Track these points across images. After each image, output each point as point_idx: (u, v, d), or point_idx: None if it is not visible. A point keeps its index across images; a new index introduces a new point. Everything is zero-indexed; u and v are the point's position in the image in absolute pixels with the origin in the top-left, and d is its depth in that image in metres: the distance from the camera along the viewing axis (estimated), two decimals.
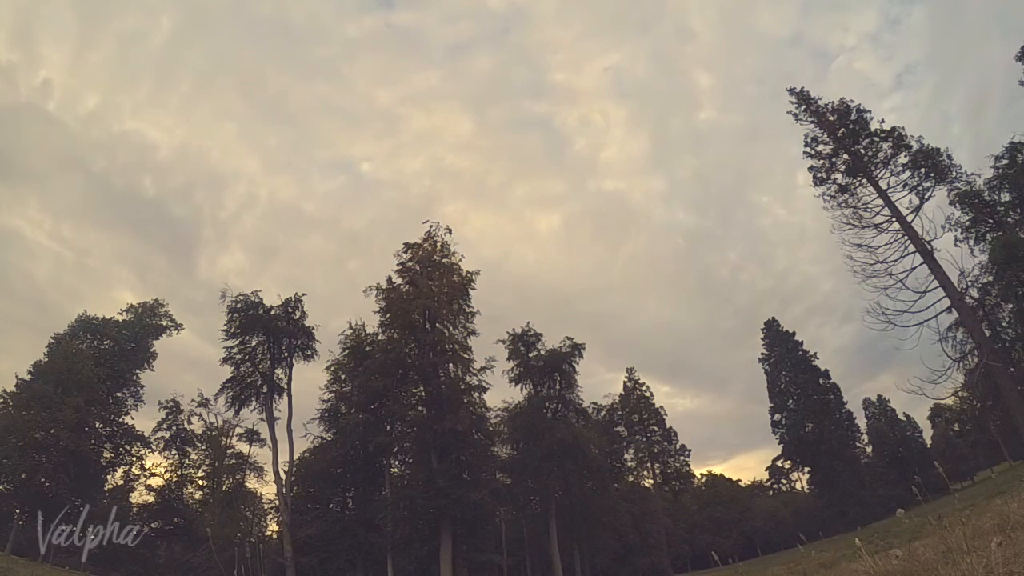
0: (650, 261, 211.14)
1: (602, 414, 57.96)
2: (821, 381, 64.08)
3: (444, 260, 39.55)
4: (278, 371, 41.95)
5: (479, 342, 39.96)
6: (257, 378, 41.32)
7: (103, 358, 43.25)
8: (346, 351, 40.75)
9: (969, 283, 31.44)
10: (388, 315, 38.34)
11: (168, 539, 51.73)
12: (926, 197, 31.14)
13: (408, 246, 39.79)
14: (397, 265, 39.77)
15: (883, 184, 31.88)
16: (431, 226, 40.24)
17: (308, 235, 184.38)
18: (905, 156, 32.02)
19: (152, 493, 53.49)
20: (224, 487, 51.43)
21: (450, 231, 40.49)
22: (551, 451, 40.93)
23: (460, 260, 40.16)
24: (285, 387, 41.83)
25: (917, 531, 10.15)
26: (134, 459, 47.32)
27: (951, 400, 72.72)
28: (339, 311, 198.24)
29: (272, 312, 42.15)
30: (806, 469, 67.37)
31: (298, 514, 38.99)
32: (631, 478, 62.32)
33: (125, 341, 45.23)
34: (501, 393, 56.37)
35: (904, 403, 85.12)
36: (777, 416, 64.02)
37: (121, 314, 47.22)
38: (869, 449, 77.57)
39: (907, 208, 30.93)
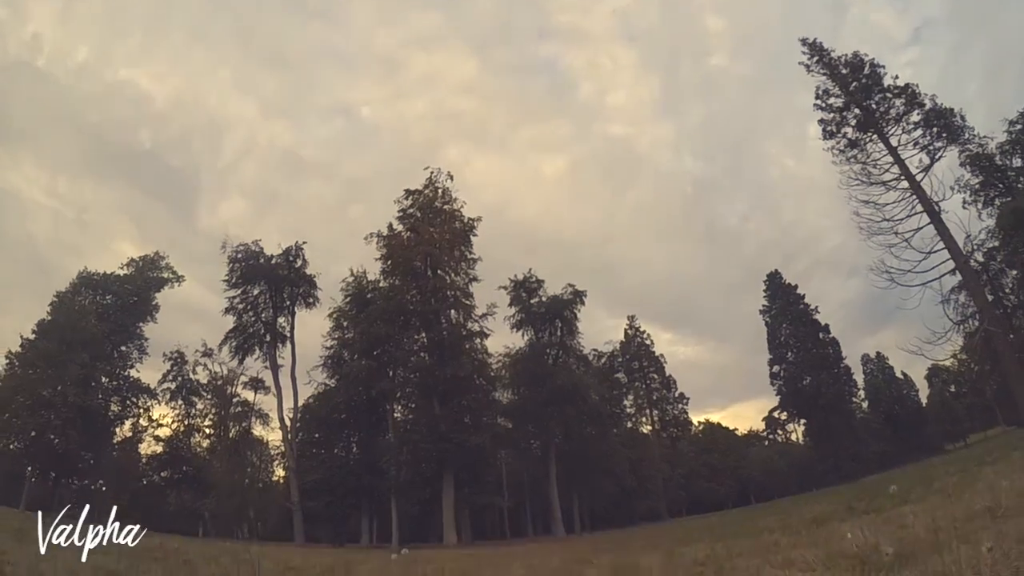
0: (656, 209, 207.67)
1: (602, 361, 58.33)
2: (821, 335, 64.43)
3: (445, 207, 39.52)
4: (280, 319, 42.38)
5: (481, 289, 40.23)
6: (260, 327, 41.72)
7: (106, 313, 43.34)
8: (348, 298, 40.91)
9: (975, 246, 31.21)
10: (389, 262, 38.48)
11: (177, 487, 52.71)
12: (937, 157, 30.66)
13: (409, 193, 39.64)
14: (398, 212, 39.90)
15: (894, 141, 31.33)
16: (432, 172, 40.11)
17: (308, 182, 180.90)
18: (918, 114, 31.42)
19: (160, 443, 54.34)
20: (231, 435, 52.19)
21: (451, 177, 40.40)
22: (551, 397, 41.49)
23: (462, 206, 40.25)
24: (288, 335, 42.30)
25: (906, 495, 10.35)
26: (141, 411, 47.83)
27: (949, 362, 73.16)
28: (341, 258, 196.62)
29: (273, 261, 42.48)
30: (802, 421, 68.33)
31: (304, 459, 39.77)
32: (630, 424, 63.14)
33: (127, 295, 45.16)
34: (503, 339, 56.77)
35: (902, 362, 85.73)
36: (776, 368, 64.54)
37: (122, 268, 47.09)
38: (865, 405, 78.40)
39: (917, 167, 30.45)
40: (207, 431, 54.80)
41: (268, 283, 41.85)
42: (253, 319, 41.83)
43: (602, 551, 14.02)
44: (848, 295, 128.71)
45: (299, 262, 43.06)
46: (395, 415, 39.19)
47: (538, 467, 47.10)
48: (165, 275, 48.03)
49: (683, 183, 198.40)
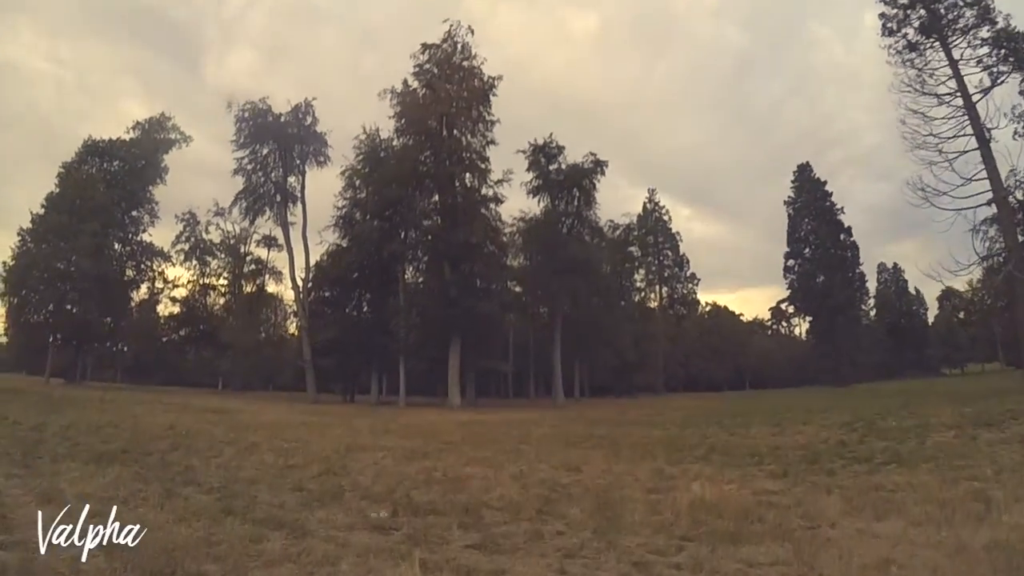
0: (689, 80, 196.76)
1: (617, 233, 57.78)
2: (842, 237, 63.68)
3: (464, 63, 36.97)
4: (291, 179, 41.79)
5: (498, 152, 38.78)
6: (270, 187, 41.21)
7: (114, 180, 43.06)
8: (360, 156, 39.80)
9: (1017, 183, 29.36)
10: (403, 120, 36.81)
11: (196, 345, 54.42)
12: (998, 81, 27.57)
13: (426, 47, 37.21)
14: (414, 67, 37.44)
15: (956, 54, 28.24)
16: (452, 26, 37.30)
17: (320, 30, 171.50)
18: (988, 31, 28.05)
19: (177, 304, 55.58)
20: (245, 292, 53.07)
21: (472, 31, 37.60)
22: (562, 267, 41.04)
23: (482, 63, 37.54)
24: (298, 195, 41.79)
25: (904, 436, 10.08)
26: (156, 274, 48.57)
27: (964, 289, 72.86)
28: (354, 115, 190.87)
29: (282, 119, 41.10)
30: (808, 319, 68.73)
31: (316, 318, 40.41)
32: (638, 299, 63.70)
33: (135, 160, 44.72)
34: (519, 205, 56.07)
35: (917, 277, 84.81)
36: (791, 262, 64.24)
37: (128, 132, 46.28)
38: (873, 313, 78.96)
39: (975, 88, 27.46)
40: (222, 289, 55.76)
41: (277, 142, 40.74)
42: (263, 179, 41.20)
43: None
44: (875, 199, 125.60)
45: (309, 120, 41.73)
46: (406, 278, 39.09)
47: (544, 333, 47.68)
48: (173, 136, 47.24)
49: (720, 55, 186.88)
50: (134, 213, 45.18)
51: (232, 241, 52.01)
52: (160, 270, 49.19)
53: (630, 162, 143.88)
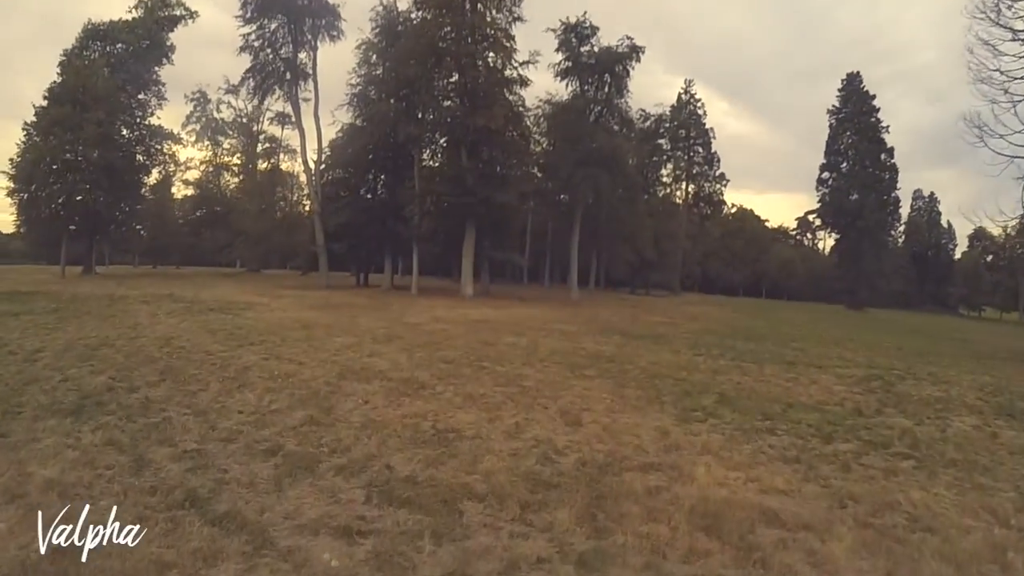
0: None
1: (648, 124, 55.15)
2: (883, 156, 60.84)
3: None
4: (301, 55, 39.80)
5: (525, 31, 36.09)
6: (279, 64, 39.30)
7: (118, 64, 41.32)
8: (376, 30, 37.41)
9: None
10: None
11: (212, 227, 54.70)
12: None
13: None
14: None
15: None
16: None
17: None
18: None
19: (190, 186, 55.26)
20: (259, 170, 52.44)
21: None
22: (587, 157, 39.36)
23: None
24: (310, 72, 39.94)
25: (923, 414, 9.39)
26: (167, 157, 47.66)
27: (998, 234, 69.49)
28: None
29: None
30: (834, 235, 66.78)
31: (329, 201, 39.70)
32: (662, 194, 61.79)
33: (138, 41, 42.62)
34: (545, 87, 53.41)
35: (951, 209, 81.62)
36: (826, 174, 62.01)
37: (129, 12, 43.89)
38: (901, 240, 76.64)
39: None
40: (236, 170, 55.25)
41: (286, 15, 38.23)
42: (271, 56, 39.11)
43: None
44: (922, 122, 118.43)
45: None
46: (422, 162, 37.75)
47: (563, 222, 46.73)
48: (177, 12, 44.68)
49: None
50: (140, 96, 43.83)
51: (244, 119, 50.68)
52: (171, 152, 48.36)
53: (668, 47, 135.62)
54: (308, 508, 4.79)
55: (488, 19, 33.97)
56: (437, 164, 39.41)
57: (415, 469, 5.74)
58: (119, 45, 42.20)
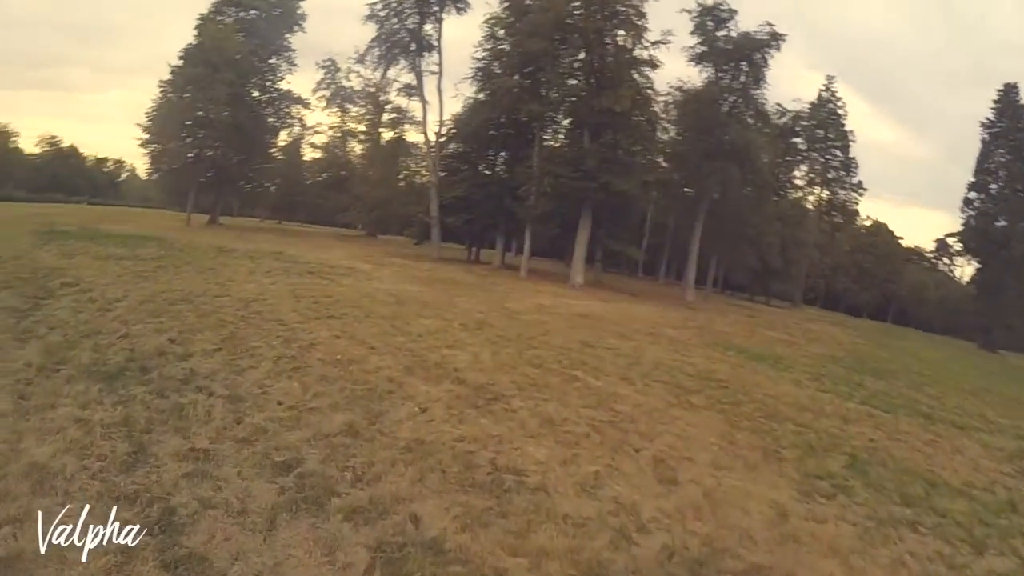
0: None
1: (784, 120, 51.19)
2: None
3: None
4: (427, 26, 39.74)
5: (657, 9, 33.93)
6: (404, 35, 39.58)
7: (251, 29, 42.89)
8: (504, 3, 36.61)
9: None
10: None
11: (337, 190, 56.70)
12: None
13: None
14: None
15: None
16: None
17: None
18: None
19: (317, 149, 57.38)
20: (383, 140, 53.58)
21: None
22: (717, 150, 36.61)
23: None
24: (435, 44, 39.97)
25: None
26: (296, 120, 49.20)
27: None
28: None
29: None
30: (975, 263, 59.11)
31: (447, 174, 39.42)
32: (794, 196, 56.77)
33: (271, 8, 44.20)
34: (676, 71, 50.94)
35: None
36: (973, 194, 54.67)
37: None
38: None
39: None
40: (361, 137, 56.84)
41: None
42: (397, 26, 39.46)
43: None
44: None
45: None
46: (543, 141, 36.20)
47: (685, 217, 43.96)
48: None
49: None
50: (272, 61, 45.43)
51: (372, 89, 51.68)
52: (300, 116, 49.93)
53: (808, 40, 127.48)
54: (291, 567, 3.71)
55: None
56: (558, 145, 37.77)
57: (447, 529, 4.43)
58: (252, 11, 43.71)
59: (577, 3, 32.14)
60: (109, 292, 11.58)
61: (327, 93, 54.73)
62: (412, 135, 54.79)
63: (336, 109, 56.12)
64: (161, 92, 40.34)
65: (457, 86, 49.51)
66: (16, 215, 32.63)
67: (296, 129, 52.23)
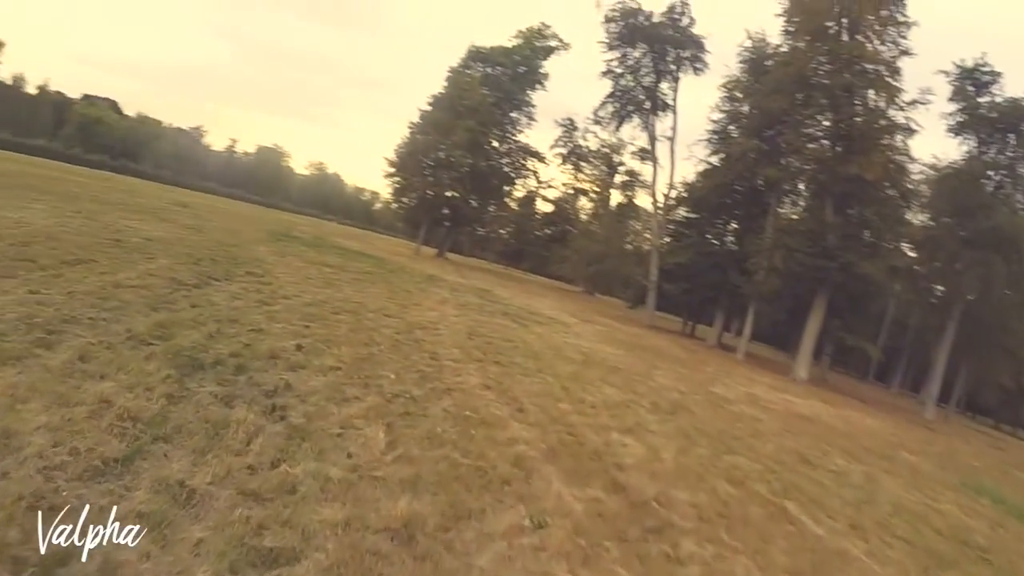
0: None
1: None
2: None
3: None
4: (662, 85, 40.03)
5: (910, 67, 29.31)
6: (639, 92, 40.14)
7: (495, 83, 46.84)
8: (744, 64, 34.70)
9: None
10: (793, 19, 30.01)
11: (560, 244, 58.80)
12: None
13: None
14: None
15: None
16: None
17: None
18: None
19: (549, 203, 60.27)
20: (613, 202, 54.20)
21: None
22: (980, 237, 30.54)
23: None
24: (670, 103, 39.79)
25: None
26: (530, 172, 52.15)
27: None
28: (734, 19, 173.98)
29: (655, 20, 39.14)
30: None
31: (672, 239, 38.26)
32: None
33: (515, 65, 48.18)
34: (933, 144, 43.52)
35: None
36: None
37: (510, 40, 49.78)
38: None
39: None
40: (592, 195, 58.09)
41: (649, 44, 39.40)
42: (632, 84, 40.79)
43: None
44: None
45: (685, 21, 39.15)
46: (779, 212, 33.10)
47: (932, 316, 36.76)
48: (552, 43, 48.46)
49: None
50: (512, 115, 48.95)
51: (607, 150, 52.61)
52: (534, 170, 52.54)
53: None
54: None
55: (869, 49, 28.12)
56: (795, 217, 34.21)
57: None
58: (498, 68, 47.92)
59: (823, 58, 29.15)
60: (283, 290, 11.41)
61: (564, 151, 56.90)
62: (642, 199, 54.57)
63: (571, 166, 57.99)
64: (409, 132, 45.35)
65: (690, 147, 47.87)
66: (269, 218, 36.91)
67: (531, 181, 55.00)
